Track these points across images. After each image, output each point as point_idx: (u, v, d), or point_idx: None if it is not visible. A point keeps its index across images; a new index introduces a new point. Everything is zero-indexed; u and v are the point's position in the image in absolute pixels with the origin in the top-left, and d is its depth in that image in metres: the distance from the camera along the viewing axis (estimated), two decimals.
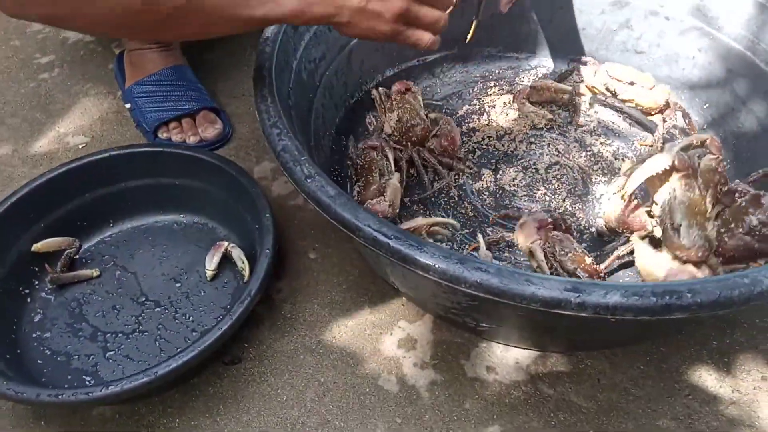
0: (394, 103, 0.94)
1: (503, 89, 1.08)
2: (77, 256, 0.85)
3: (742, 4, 0.90)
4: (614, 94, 1.00)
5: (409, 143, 0.92)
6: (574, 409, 0.72)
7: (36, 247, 0.81)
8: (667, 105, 0.98)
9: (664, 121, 0.97)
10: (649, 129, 0.98)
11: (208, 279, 0.83)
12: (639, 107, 0.99)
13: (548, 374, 0.75)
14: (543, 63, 1.12)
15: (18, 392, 0.64)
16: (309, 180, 0.62)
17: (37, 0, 0.54)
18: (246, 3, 0.58)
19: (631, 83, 0.99)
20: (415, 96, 0.97)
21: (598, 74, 1.02)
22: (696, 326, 0.79)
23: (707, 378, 0.75)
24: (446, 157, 0.92)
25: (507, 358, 0.76)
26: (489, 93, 1.07)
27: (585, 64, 1.05)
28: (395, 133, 0.92)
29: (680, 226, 0.71)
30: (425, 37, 0.67)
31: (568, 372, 0.75)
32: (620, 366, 0.75)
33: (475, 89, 1.08)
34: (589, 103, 1.03)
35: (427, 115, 0.95)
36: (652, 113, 0.98)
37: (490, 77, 1.10)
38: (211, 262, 0.83)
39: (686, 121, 0.98)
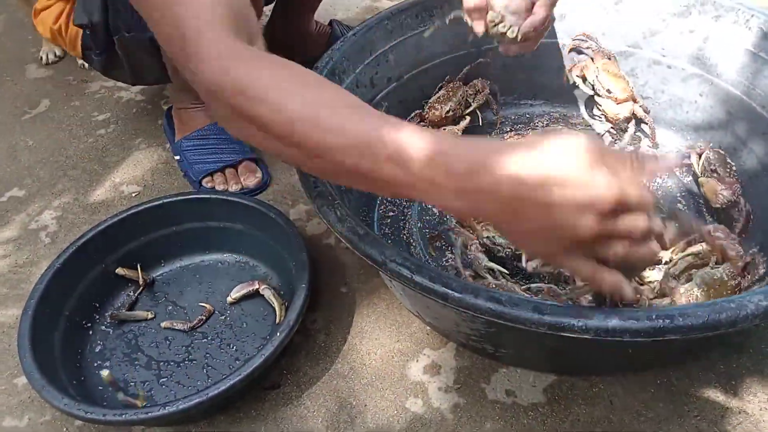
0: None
1: (519, 133, 1.16)
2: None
3: (737, 53, 0.98)
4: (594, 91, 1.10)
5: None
6: (589, 430, 0.77)
7: (121, 271, 0.94)
8: (630, 119, 1.07)
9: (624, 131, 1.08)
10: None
11: (228, 303, 0.92)
12: (606, 114, 1.09)
13: (564, 397, 0.80)
14: (556, 109, 1.20)
15: (87, 412, 0.72)
16: (341, 222, 0.70)
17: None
18: (411, 187, 0.53)
19: (608, 91, 1.06)
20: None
21: (591, 69, 1.10)
22: (704, 352, 0.84)
23: (715, 400, 0.79)
24: None
25: (525, 381, 0.82)
26: (505, 137, 1.16)
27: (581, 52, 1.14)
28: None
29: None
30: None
31: (583, 395, 0.80)
32: (632, 389, 0.81)
33: (492, 134, 1.16)
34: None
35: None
36: (613, 122, 1.08)
37: (507, 122, 1.19)
38: (237, 293, 0.92)
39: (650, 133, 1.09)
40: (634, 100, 1.07)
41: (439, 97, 1.09)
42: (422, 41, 1.08)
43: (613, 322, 0.58)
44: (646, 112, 1.09)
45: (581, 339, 0.60)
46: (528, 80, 1.18)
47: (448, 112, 1.07)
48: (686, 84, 1.07)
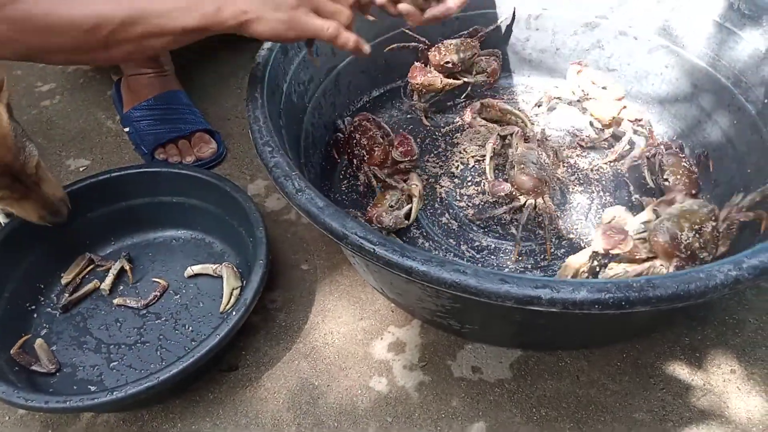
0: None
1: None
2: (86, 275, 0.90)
3: (702, 23, 0.96)
4: (584, 98, 1.05)
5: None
6: (555, 405, 0.76)
7: (65, 279, 0.88)
8: (616, 122, 1.01)
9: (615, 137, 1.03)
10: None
11: (186, 277, 0.89)
12: (594, 117, 1.04)
13: (530, 372, 0.79)
14: (522, 81, 1.18)
15: (28, 400, 0.68)
16: (299, 193, 0.67)
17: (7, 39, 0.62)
18: (164, 15, 0.64)
19: (604, 88, 1.03)
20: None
21: (581, 74, 1.06)
22: (668, 324, 0.83)
23: (680, 372, 0.79)
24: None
25: (491, 358, 0.80)
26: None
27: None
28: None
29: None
30: (326, 24, 0.70)
31: (549, 370, 0.79)
32: (598, 363, 0.80)
33: (456, 107, 1.14)
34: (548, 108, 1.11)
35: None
36: (604, 126, 1.02)
37: (472, 95, 1.16)
38: (194, 268, 0.89)
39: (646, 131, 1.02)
40: (624, 106, 1.01)
41: (450, 45, 1.05)
42: None
43: (582, 294, 0.57)
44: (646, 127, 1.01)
45: (548, 312, 0.58)
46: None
47: (447, 63, 1.04)
48: (652, 56, 1.05)
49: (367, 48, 0.74)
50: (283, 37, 0.69)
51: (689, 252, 0.74)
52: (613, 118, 1.00)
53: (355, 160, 0.96)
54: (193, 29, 0.65)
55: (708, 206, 0.78)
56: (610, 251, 0.77)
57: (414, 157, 0.93)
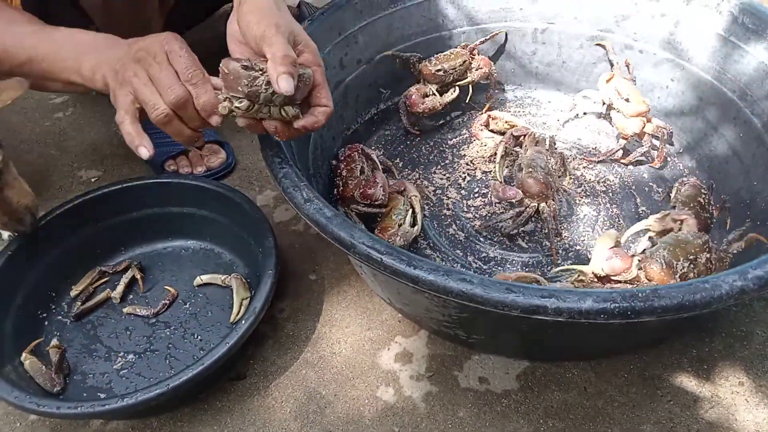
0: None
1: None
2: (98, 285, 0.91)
3: (707, 37, 0.97)
4: (610, 107, 1.05)
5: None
6: (562, 416, 0.76)
7: (74, 291, 0.89)
8: (638, 136, 1.02)
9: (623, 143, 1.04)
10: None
11: (195, 286, 0.90)
12: (617, 128, 1.04)
13: (537, 383, 0.79)
14: (528, 94, 1.19)
15: (40, 405, 0.68)
16: (308, 203, 0.68)
17: None
18: (58, 64, 0.74)
19: (627, 99, 1.02)
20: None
21: (610, 83, 1.06)
22: (676, 335, 0.83)
23: (688, 384, 0.79)
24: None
25: (498, 368, 0.80)
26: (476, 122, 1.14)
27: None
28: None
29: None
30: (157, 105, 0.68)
31: (556, 381, 0.79)
32: (605, 375, 0.80)
33: (464, 119, 1.15)
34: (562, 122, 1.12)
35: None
36: (626, 138, 1.03)
37: (478, 108, 1.17)
38: (203, 278, 0.90)
39: (658, 148, 1.02)
40: (648, 120, 1.02)
41: (440, 56, 1.08)
42: (393, 22, 1.05)
43: (587, 303, 0.57)
44: (666, 134, 1.01)
45: (555, 322, 0.58)
46: (499, 65, 1.16)
47: (439, 71, 1.06)
48: (657, 69, 1.06)
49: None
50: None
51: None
52: (635, 133, 1.01)
53: (335, 190, 0.95)
54: (75, 83, 0.75)
55: (703, 237, 0.80)
56: (612, 278, 0.78)
57: (376, 202, 0.90)
